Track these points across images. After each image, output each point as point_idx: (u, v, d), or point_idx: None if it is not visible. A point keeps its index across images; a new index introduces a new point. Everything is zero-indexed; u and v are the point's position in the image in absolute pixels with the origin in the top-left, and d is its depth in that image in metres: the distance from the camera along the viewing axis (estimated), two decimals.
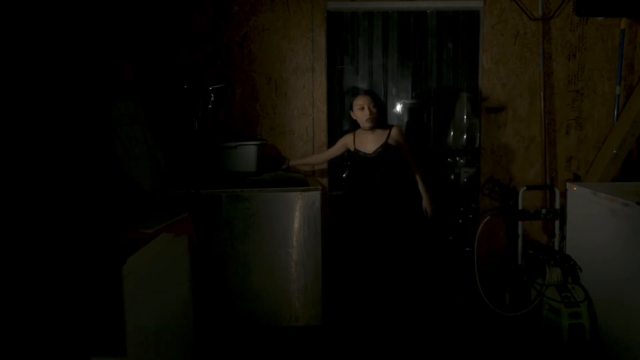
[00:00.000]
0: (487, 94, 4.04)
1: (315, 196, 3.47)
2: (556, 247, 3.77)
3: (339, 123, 4.24)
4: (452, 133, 4.24)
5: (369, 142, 3.55)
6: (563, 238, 3.71)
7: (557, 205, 3.80)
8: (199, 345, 3.13)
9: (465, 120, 4.19)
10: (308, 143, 4.05)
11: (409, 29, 4.17)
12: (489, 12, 3.99)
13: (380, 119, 3.56)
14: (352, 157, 3.71)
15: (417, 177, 3.62)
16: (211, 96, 3.44)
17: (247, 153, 3.67)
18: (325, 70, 4.02)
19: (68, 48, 1.57)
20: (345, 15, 4.14)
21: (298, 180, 3.71)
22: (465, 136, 4.21)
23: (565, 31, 3.98)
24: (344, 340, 3.43)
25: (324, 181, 4.05)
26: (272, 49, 3.99)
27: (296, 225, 3.46)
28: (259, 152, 3.72)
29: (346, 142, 3.70)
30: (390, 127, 3.57)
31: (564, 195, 3.69)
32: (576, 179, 4.04)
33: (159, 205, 3.10)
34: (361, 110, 3.47)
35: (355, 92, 3.78)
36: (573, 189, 3.52)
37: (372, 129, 3.53)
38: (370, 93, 3.56)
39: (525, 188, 3.78)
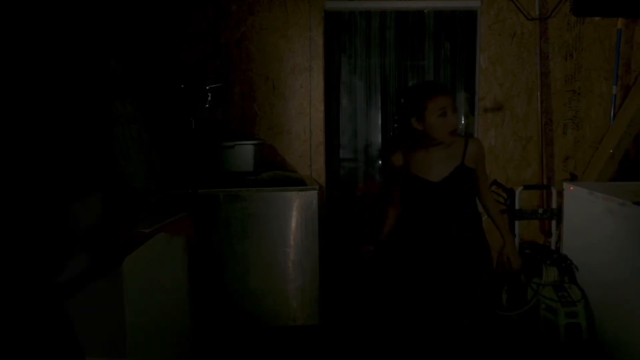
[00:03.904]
0: (485, 94, 4.04)
1: (312, 195, 3.46)
2: (553, 247, 3.78)
3: (337, 123, 4.25)
4: None
5: (434, 164, 2.38)
6: (560, 238, 3.72)
7: (554, 205, 3.80)
8: (197, 345, 3.13)
9: (462, 120, 4.20)
10: (306, 143, 4.05)
11: (407, 29, 4.18)
12: (486, 12, 4.00)
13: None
14: (405, 184, 2.47)
15: (490, 211, 2.57)
16: (208, 96, 3.44)
17: (245, 153, 3.67)
18: (322, 70, 4.02)
19: (62, 47, 1.57)
20: (343, 15, 4.15)
21: (296, 180, 3.71)
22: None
23: (562, 31, 3.99)
24: (342, 340, 3.44)
25: (322, 180, 4.05)
26: (270, 49, 3.99)
27: (294, 224, 3.46)
28: (257, 152, 3.72)
29: (396, 166, 2.46)
30: (465, 139, 2.43)
31: (561, 195, 3.70)
32: (573, 178, 4.05)
33: (156, 205, 3.10)
34: (442, 117, 2.28)
35: (412, 86, 2.61)
36: (570, 188, 3.53)
37: (443, 143, 2.36)
38: (446, 90, 2.37)
39: (522, 188, 3.78)
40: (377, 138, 4.28)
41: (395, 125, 4.17)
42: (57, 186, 1.81)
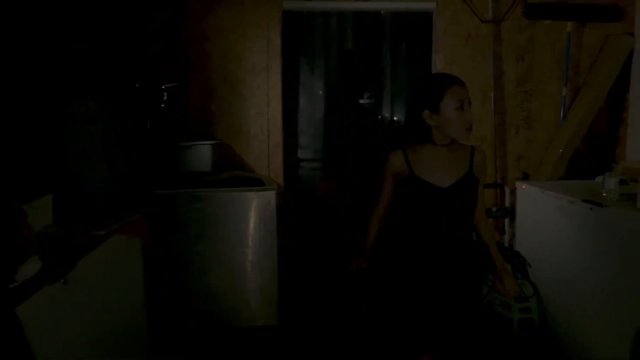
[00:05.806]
0: None
1: (270, 196, 3.46)
2: (506, 244, 3.87)
3: (295, 123, 4.25)
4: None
5: (441, 168, 2.12)
6: (513, 235, 3.81)
7: (508, 203, 3.89)
8: (155, 347, 3.08)
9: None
10: (264, 143, 4.03)
11: (365, 30, 4.22)
12: (442, 13, 4.06)
13: None
14: (408, 188, 2.14)
15: (483, 232, 2.33)
16: (164, 95, 3.39)
17: (203, 153, 3.64)
18: (280, 70, 4.01)
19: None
20: (302, 15, 4.16)
21: (254, 180, 3.69)
22: None
23: (514, 33, 4.08)
24: (300, 340, 3.44)
25: (280, 180, 4.04)
26: (228, 48, 3.96)
27: (252, 225, 3.45)
28: (215, 152, 3.69)
29: (396, 167, 2.17)
30: (470, 146, 2.21)
31: (514, 193, 3.79)
32: (525, 177, 4.16)
33: (112, 206, 3.04)
34: (459, 111, 2.02)
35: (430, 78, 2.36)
36: (522, 187, 3.62)
37: (451, 145, 2.13)
38: (463, 82, 2.08)
39: None
40: (336, 138, 4.31)
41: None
42: (3, 188, 1.76)
